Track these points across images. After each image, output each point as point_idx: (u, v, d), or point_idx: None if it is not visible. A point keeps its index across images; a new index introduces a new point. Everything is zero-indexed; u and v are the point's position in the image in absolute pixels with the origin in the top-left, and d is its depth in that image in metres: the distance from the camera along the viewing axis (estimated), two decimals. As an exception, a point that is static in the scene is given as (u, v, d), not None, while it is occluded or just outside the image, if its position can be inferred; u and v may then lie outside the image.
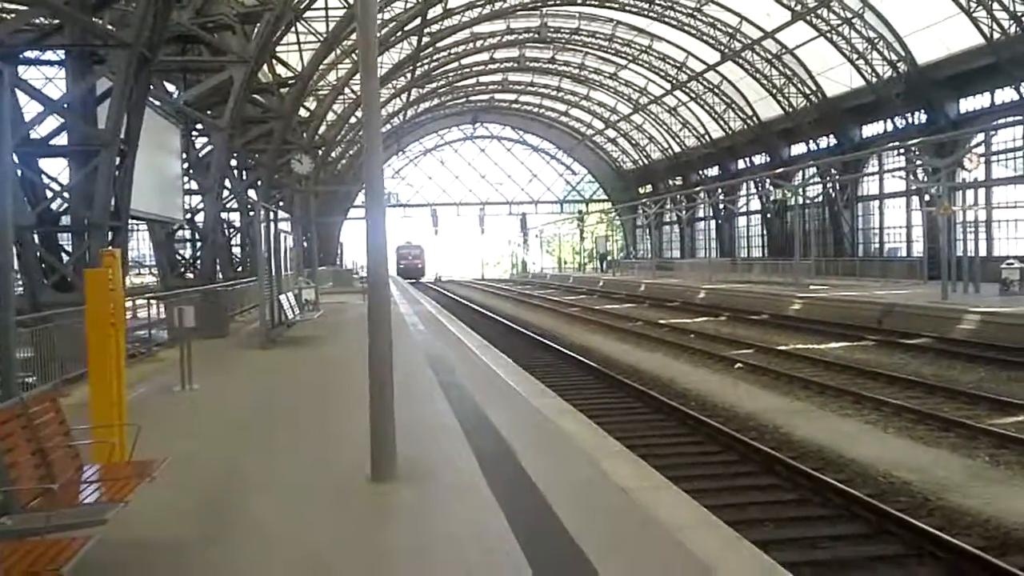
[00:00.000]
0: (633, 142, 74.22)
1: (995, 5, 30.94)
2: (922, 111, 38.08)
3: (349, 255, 70.64)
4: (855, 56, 39.93)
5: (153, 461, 5.28)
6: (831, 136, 46.05)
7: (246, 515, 6.01)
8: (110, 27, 14.31)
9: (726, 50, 48.00)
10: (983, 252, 31.66)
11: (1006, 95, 33.74)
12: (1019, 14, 30.17)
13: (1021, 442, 10.35)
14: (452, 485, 6.51)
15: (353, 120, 47.25)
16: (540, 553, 4.99)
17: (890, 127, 40.66)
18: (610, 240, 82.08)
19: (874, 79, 39.70)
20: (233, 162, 27.47)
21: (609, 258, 75.41)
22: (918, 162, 36.19)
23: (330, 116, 44.24)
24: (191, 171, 24.66)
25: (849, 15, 38.52)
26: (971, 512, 8.17)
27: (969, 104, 36.63)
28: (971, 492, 8.78)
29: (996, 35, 31.20)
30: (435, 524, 5.62)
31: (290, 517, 5.92)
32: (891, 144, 38.57)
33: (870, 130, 43.83)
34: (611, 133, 75.92)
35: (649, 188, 74.75)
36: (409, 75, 49.96)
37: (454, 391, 10.59)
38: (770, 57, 46.44)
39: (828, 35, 40.44)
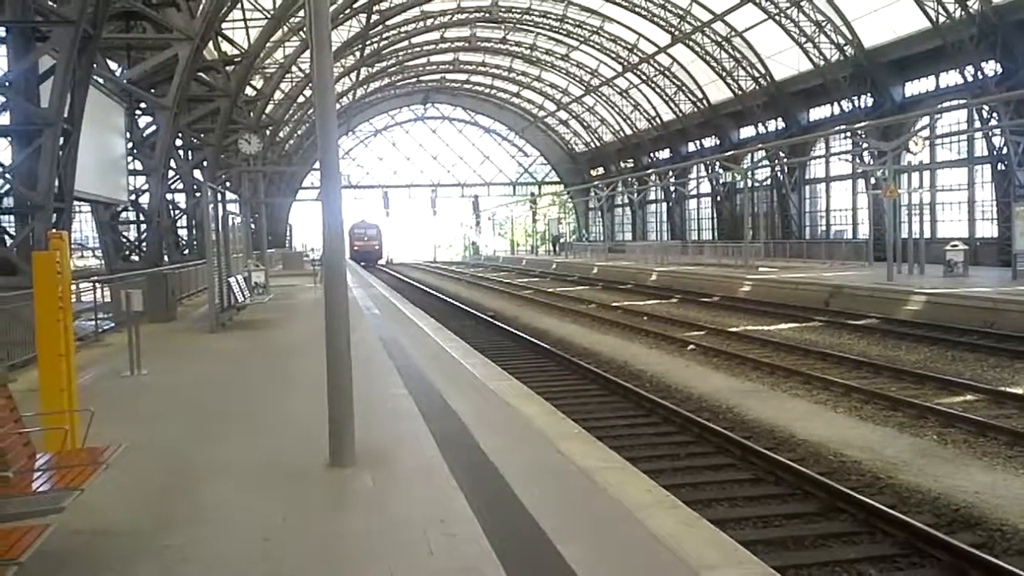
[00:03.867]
0: (585, 124, 74.32)
1: (941, -11, 31.45)
2: (868, 94, 38.64)
3: (298, 237, 69.97)
4: (803, 39, 40.36)
5: (107, 448, 5.16)
6: (779, 119, 46.57)
7: (202, 502, 5.91)
8: (51, 3, 13.91)
9: (677, 32, 48.19)
10: (927, 234, 32.34)
11: (951, 78, 34.33)
12: (964, -2, 30.74)
13: (968, 421, 10.61)
14: (412, 469, 6.46)
15: (301, 99, 46.68)
16: (503, 536, 4.98)
17: (837, 110, 41.21)
18: (562, 222, 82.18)
19: (821, 62, 40.19)
20: (178, 142, 26.92)
21: (562, 240, 75.53)
22: (864, 145, 36.80)
23: (277, 95, 43.60)
24: (135, 151, 24.13)
25: (798, -2, 38.92)
26: (921, 490, 8.34)
27: (914, 87, 37.25)
28: (921, 470, 8.96)
29: (942, 19, 31.71)
30: (396, 509, 5.57)
31: (247, 504, 5.82)
32: (838, 127, 39.11)
33: (817, 113, 44.40)
34: (563, 115, 75.89)
35: (601, 170, 74.97)
36: (358, 54, 49.33)
37: (411, 375, 10.52)
38: (720, 40, 46.74)
39: (777, 18, 40.79)
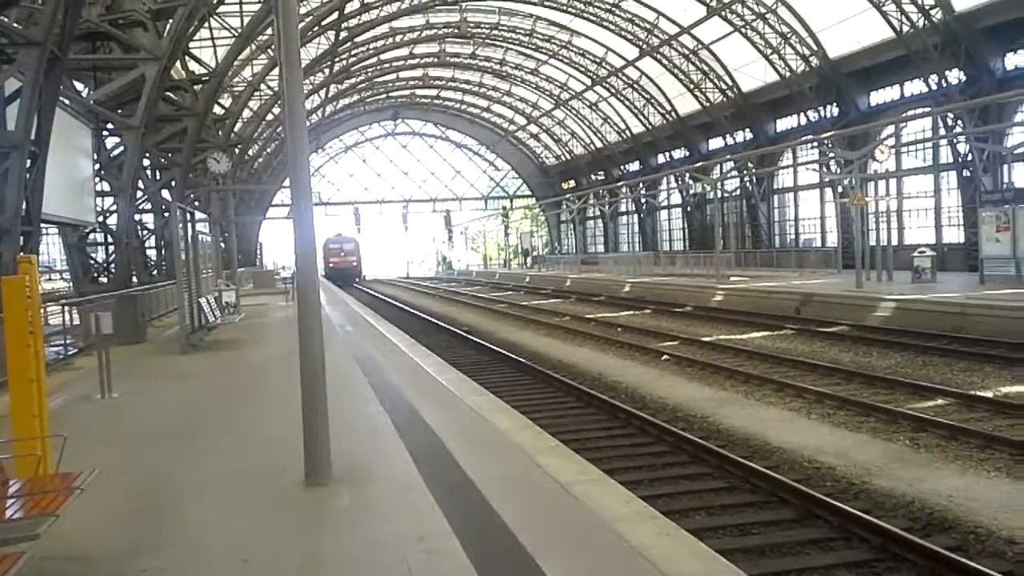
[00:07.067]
0: (555, 137, 74.62)
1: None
2: (834, 104, 39.13)
3: (269, 255, 69.49)
4: (769, 51, 40.81)
5: (81, 473, 5.10)
6: (747, 130, 47.04)
7: (178, 524, 5.86)
8: (17, 25, 13.78)
9: (644, 46, 48.57)
10: (895, 241, 32.73)
11: (915, 87, 34.80)
12: (927, 7, 31.21)
13: (940, 425, 10.72)
14: (389, 486, 6.43)
15: (270, 117, 46.44)
16: (482, 551, 4.98)
17: (804, 120, 41.69)
18: (535, 236, 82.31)
19: (787, 73, 40.64)
20: (146, 162, 26.68)
21: (534, 253, 75.56)
22: (831, 154, 37.23)
23: (246, 113, 43.38)
24: (103, 172, 23.90)
25: (763, 10, 39.29)
26: (895, 494, 8.42)
27: (880, 96, 37.74)
28: (894, 475, 9.04)
29: (905, 28, 32.21)
30: (374, 526, 5.55)
31: (223, 525, 5.78)
32: (805, 137, 39.54)
33: (784, 123, 44.88)
34: (533, 129, 76.17)
35: (572, 183, 75.26)
36: (327, 71, 49.24)
37: (386, 391, 10.49)
38: (687, 53, 47.17)
39: (743, 30, 41.23)
